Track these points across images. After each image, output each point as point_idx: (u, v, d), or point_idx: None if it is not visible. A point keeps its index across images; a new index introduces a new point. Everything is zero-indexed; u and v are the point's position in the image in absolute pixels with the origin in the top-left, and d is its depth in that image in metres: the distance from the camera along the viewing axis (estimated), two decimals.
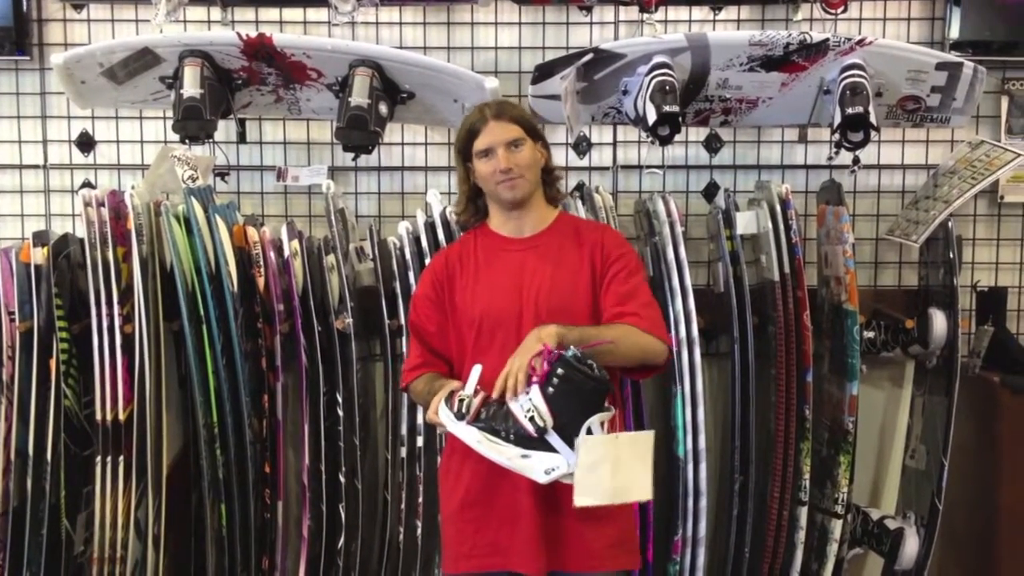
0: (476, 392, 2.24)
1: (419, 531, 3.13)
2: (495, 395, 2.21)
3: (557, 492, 2.34)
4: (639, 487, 2.22)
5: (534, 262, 2.42)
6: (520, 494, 2.34)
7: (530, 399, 2.16)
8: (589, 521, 2.35)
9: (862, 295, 3.14)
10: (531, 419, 2.15)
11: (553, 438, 2.17)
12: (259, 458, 3.04)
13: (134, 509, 3.00)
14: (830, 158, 3.14)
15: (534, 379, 2.17)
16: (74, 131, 3.56)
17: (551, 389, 2.15)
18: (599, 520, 2.36)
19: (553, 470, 2.17)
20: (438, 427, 2.34)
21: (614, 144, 3.55)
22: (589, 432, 2.16)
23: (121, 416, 2.98)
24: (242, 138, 3.37)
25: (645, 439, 2.25)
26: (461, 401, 2.23)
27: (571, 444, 2.16)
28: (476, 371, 2.26)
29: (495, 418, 2.20)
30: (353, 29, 3.44)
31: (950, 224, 3.15)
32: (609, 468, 2.16)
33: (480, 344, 2.38)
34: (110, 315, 2.96)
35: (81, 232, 3.01)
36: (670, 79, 2.96)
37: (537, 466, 2.18)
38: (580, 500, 2.17)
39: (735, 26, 3.48)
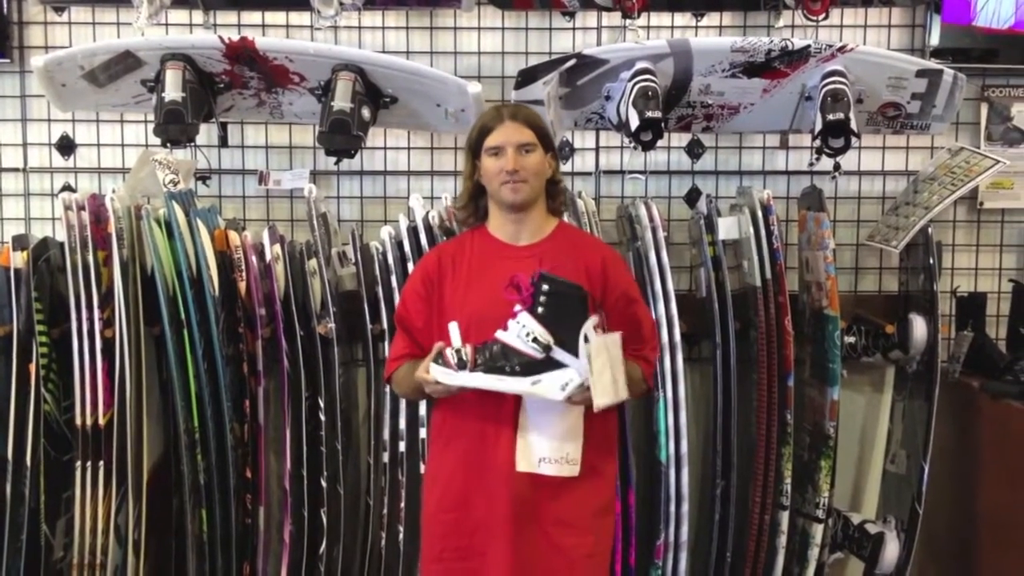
0: (463, 344, 2.27)
1: (401, 536, 3.12)
2: None
3: (536, 501, 2.36)
4: (624, 385, 2.24)
5: (526, 272, 2.41)
6: (498, 502, 2.36)
7: (523, 326, 2.21)
8: (569, 530, 2.37)
9: (843, 300, 3.16)
10: (535, 341, 2.20)
11: (559, 354, 2.21)
12: (240, 463, 3.03)
13: (114, 514, 2.99)
14: (811, 164, 3.16)
15: (519, 308, 2.23)
16: (54, 134, 3.54)
17: (541, 308, 2.21)
18: (579, 530, 2.39)
19: (567, 384, 2.21)
20: (430, 389, 2.34)
21: (596, 149, 3.55)
22: (586, 339, 2.19)
23: (101, 421, 2.96)
24: (224, 142, 3.35)
25: (618, 339, 2.27)
26: (458, 351, 2.25)
27: (574, 354, 2.20)
28: (455, 327, 2.29)
29: (493, 358, 2.23)
30: (336, 33, 3.44)
31: (930, 230, 3.17)
32: (610, 367, 2.20)
33: None
34: (90, 319, 2.95)
35: (61, 236, 3.00)
36: (652, 85, 2.97)
37: (552, 386, 2.21)
38: (601, 401, 2.19)
39: (717, 32, 3.49)
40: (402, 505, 3.12)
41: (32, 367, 2.96)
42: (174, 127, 3.01)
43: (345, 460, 3.15)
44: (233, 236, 3.02)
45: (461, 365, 2.24)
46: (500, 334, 2.25)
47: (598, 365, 2.18)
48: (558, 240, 2.50)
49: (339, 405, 3.11)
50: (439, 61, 3.48)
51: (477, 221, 2.55)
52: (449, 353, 2.26)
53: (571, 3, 3.34)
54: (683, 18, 3.49)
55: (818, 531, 3.17)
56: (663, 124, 2.99)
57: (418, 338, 2.50)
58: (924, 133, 3.31)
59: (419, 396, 2.52)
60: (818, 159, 3.08)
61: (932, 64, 3.14)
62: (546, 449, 2.34)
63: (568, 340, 2.20)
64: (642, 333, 2.47)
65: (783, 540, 3.16)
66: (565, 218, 3.00)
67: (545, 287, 2.22)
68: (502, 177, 2.41)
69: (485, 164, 2.44)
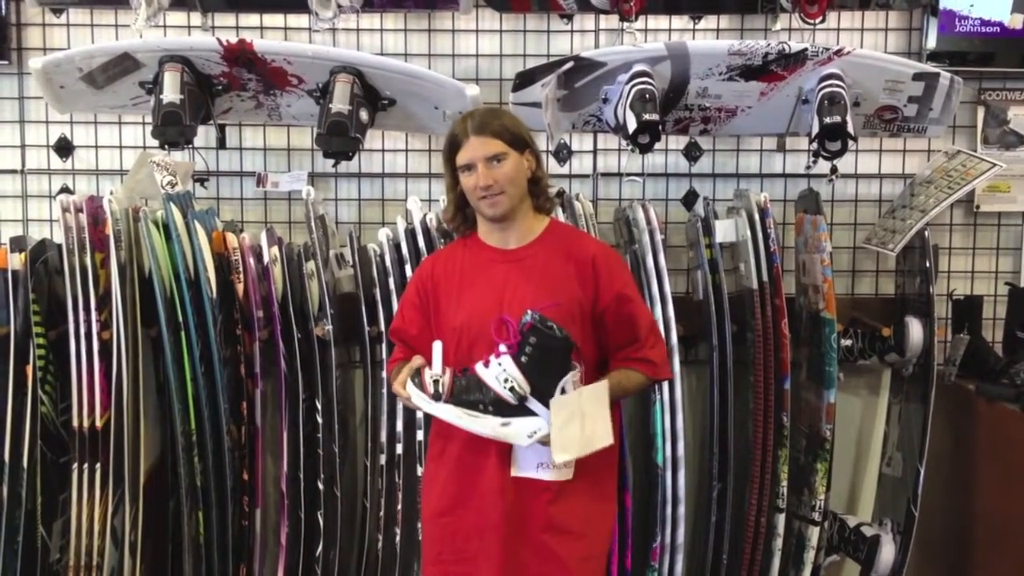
0: (443, 370, 2.28)
1: (398, 539, 3.12)
2: None
3: (528, 507, 2.36)
4: (601, 435, 2.28)
5: (517, 277, 2.41)
6: (488, 508, 2.37)
7: (504, 369, 2.22)
8: (560, 536, 2.37)
9: (839, 303, 3.16)
10: (511, 389, 2.21)
11: (532, 403, 2.23)
12: (237, 465, 3.03)
13: (111, 517, 2.98)
14: (808, 167, 3.17)
15: (503, 349, 2.23)
16: (52, 136, 3.54)
17: (524, 358, 2.22)
18: (572, 535, 2.38)
19: (535, 433, 2.24)
20: (405, 402, 2.36)
21: (594, 152, 3.56)
22: (563, 391, 2.23)
23: (98, 423, 2.96)
24: (222, 144, 3.35)
25: (602, 389, 2.30)
26: (435, 382, 2.26)
27: (548, 405, 2.23)
28: (438, 348, 2.30)
29: (468, 390, 2.25)
30: (334, 35, 3.45)
31: (926, 233, 3.17)
32: (578, 422, 2.23)
33: (460, 354, 2.38)
34: (88, 321, 2.95)
35: (59, 238, 2.99)
36: (650, 88, 2.98)
37: (519, 432, 2.24)
38: (560, 456, 2.23)
39: (715, 35, 3.50)
40: (399, 507, 3.12)
41: (29, 369, 2.96)
42: (172, 129, 3.02)
43: (342, 462, 3.15)
44: (231, 238, 3.02)
45: (436, 396, 2.25)
46: (480, 370, 2.26)
47: (560, 419, 2.21)
48: (548, 242, 2.48)
49: (336, 407, 3.10)
50: (437, 63, 3.48)
51: (468, 229, 2.54)
52: (428, 380, 2.27)
53: (569, 6, 3.35)
54: (680, 21, 3.49)
55: (814, 534, 3.17)
56: (660, 127, 2.99)
57: (413, 344, 2.50)
58: (921, 136, 3.32)
59: None
60: (815, 162, 3.09)
61: (929, 67, 3.14)
62: (544, 454, 2.34)
63: (544, 391, 2.23)
64: (638, 333, 2.44)
65: (779, 543, 3.16)
66: (562, 219, 3.03)
67: (533, 339, 2.21)
68: (478, 193, 2.40)
69: (462, 180, 2.44)
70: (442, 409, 2.26)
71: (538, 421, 2.23)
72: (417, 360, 2.34)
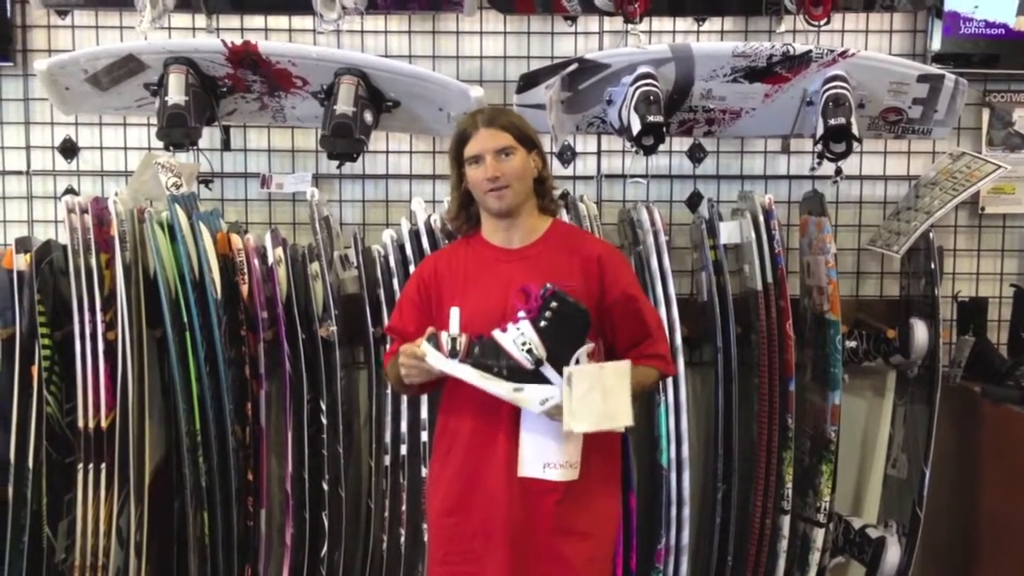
0: (460, 332, 2.28)
1: (402, 539, 3.13)
2: None
3: (534, 507, 2.36)
4: (623, 413, 2.27)
5: (521, 275, 2.39)
6: (495, 508, 2.36)
7: (521, 333, 2.23)
8: (566, 537, 2.37)
9: (844, 305, 3.16)
10: (529, 351, 2.22)
11: (547, 370, 2.24)
12: (242, 466, 3.03)
13: (116, 516, 2.99)
14: (812, 169, 3.15)
15: (522, 315, 2.24)
16: (57, 137, 3.55)
17: (543, 323, 2.23)
18: (577, 535, 2.38)
19: (547, 400, 2.24)
20: (405, 371, 2.34)
21: (598, 153, 3.56)
22: (577, 362, 2.24)
23: (103, 423, 2.97)
24: (226, 145, 3.36)
25: (625, 368, 2.30)
26: (453, 340, 2.26)
27: (561, 375, 2.23)
28: (456, 313, 2.30)
29: (485, 354, 2.26)
30: (339, 37, 3.44)
31: (931, 235, 3.17)
32: (599, 395, 2.23)
33: None
34: (93, 322, 2.95)
35: (64, 238, 3.00)
36: (654, 89, 2.98)
37: (532, 397, 2.25)
38: (576, 427, 2.23)
39: (719, 37, 3.50)
40: (403, 508, 3.12)
41: (34, 369, 2.96)
42: (177, 130, 3.02)
43: (346, 463, 3.16)
44: (235, 239, 3.03)
45: (453, 353, 2.26)
46: (497, 334, 2.26)
47: (580, 390, 2.21)
48: (552, 241, 2.48)
49: (340, 408, 3.11)
50: (441, 65, 3.49)
51: (471, 228, 2.54)
52: (444, 339, 2.27)
53: (573, 7, 3.35)
54: (685, 23, 3.49)
55: (819, 535, 3.17)
56: (665, 128, 2.99)
57: (410, 340, 2.48)
58: (926, 138, 3.31)
59: (402, 386, 2.48)
60: (820, 164, 3.08)
61: (933, 69, 3.14)
62: (550, 454, 2.34)
63: (560, 359, 2.23)
64: (649, 329, 2.45)
65: (784, 544, 3.16)
66: (566, 217, 3.03)
67: (553, 304, 2.23)
68: (484, 185, 2.40)
69: (469, 174, 2.43)
70: (458, 367, 2.26)
71: (551, 389, 2.23)
72: (430, 329, 2.33)
